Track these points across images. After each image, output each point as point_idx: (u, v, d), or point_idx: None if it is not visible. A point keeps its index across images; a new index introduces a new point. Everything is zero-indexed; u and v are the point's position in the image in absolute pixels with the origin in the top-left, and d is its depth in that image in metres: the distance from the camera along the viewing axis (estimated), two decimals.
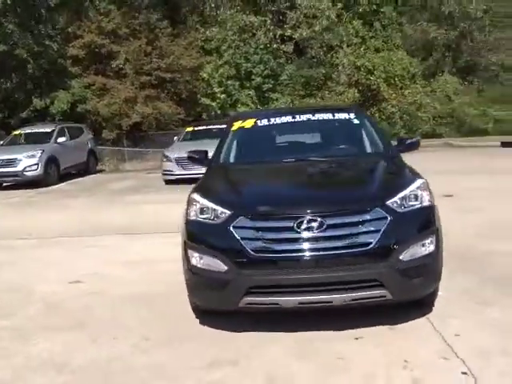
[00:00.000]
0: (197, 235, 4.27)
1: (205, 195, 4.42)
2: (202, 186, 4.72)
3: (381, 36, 22.91)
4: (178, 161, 13.54)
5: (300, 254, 3.92)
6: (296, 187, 4.56)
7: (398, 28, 23.57)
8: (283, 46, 22.14)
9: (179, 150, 14.01)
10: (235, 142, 5.55)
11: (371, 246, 3.90)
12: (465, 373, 3.49)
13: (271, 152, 5.42)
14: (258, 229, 4.01)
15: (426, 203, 4.18)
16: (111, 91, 19.96)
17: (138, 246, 7.68)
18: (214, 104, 21.79)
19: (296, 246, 3.93)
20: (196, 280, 4.25)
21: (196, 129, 15.72)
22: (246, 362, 3.82)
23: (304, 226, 3.91)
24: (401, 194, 4.11)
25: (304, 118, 5.62)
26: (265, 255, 3.96)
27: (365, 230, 3.93)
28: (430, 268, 4.11)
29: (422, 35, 26.08)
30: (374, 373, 3.56)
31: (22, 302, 5.54)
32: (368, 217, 3.96)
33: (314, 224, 3.91)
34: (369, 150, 5.27)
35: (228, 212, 4.12)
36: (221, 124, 16.02)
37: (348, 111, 5.79)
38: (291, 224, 3.94)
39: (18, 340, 4.53)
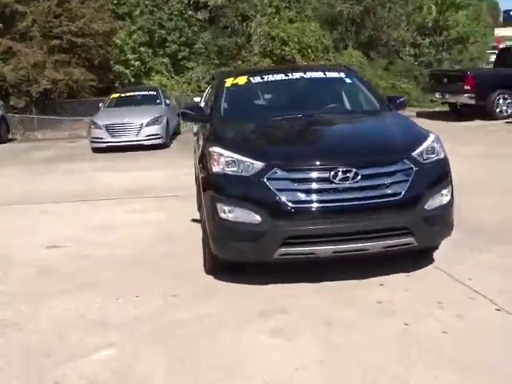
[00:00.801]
0: (226, 188, 4.25)
1: (228, 148, 4.38)
2: (220, 140, 4.63)
3: (294, 7, 23.16)
4: (108, 128, 13.15)
5: (336, 203, 4.05)
6: (322, 140, 4.65)
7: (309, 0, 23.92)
8: (198, 13, 21.75)
9: (109, 116, 13.66)
10: (233, 98, 5.48)
11: (401, 195, 4.10)
12: (498, 309, 3.78)
13: (276, 108, 5.45)
14: (293, 180, 4.08)
15: (441, 156, 4.43)
16: (18, 55, 18.63)
17: (98, 212, 7.43)
18: (127, 71, 21.04)
19: (332, 197, 4.05)
20: (225, 233, 4.23)
21: (122, 95, 15.28)
22: (293, 310, 3.89)
23: (339, 176, 4.02)
24: (422, 147, 4.34)
25: (297, 75, 5.69)
26: (301, 206, 4.04)
27: (395, 180, 4.12)
28: (448, 216, 4.40)
29: (329, 8, 26.70)
30: (419, 313, 3.81)
31: (7, 268, 5.21)
32: (397, 168, 4.16)
33: (349, 174, 4.03)
34: (368, 106, 5.42)
35: (261, 164, 4.12)
36: (146, 91, 15.99)
37: (338, 71, 5.93)
38: (326, 175, 4.04)
39: (29, 303, 4.31)
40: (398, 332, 3.52)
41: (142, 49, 21.21)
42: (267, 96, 5.57)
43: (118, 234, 6.28)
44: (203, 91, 21.46)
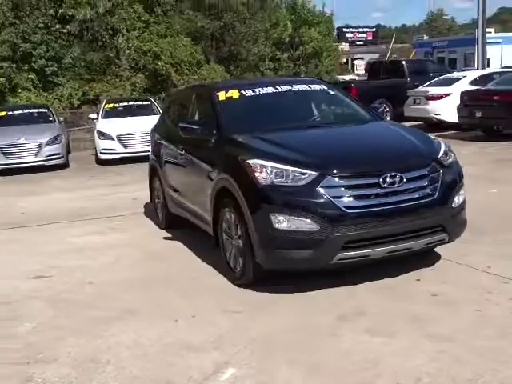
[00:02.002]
0: (279, 199, 4.30)
1: (269, 159, 4.43)
2: (253, 152, 4.65)
3: (163, 21, 23.09)
4: (3, 149, 12.24)
5: (387, 206, 4.32)
6: (359, 147, 4.84)
7: (177, 15, 23.98)
8: (68, 26, 20.80)
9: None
10: (234, 111, 5.50)
11: (435, 196, 4.49)
12: None
13: (283, 119, 5.49)
14: (346, 187, 4.27)
15: (454, 158, 4.88)
16: None
17: (52, 238, 7.00)
18: None
19: (383, 200, 4.32)
20: (280, 243, 4.28)
21: (10, 113, 14.37)
22: (367, 310, 4.10)
23: (388, 180, 4.29)
24: (442, 150, 4.76)
25: (285, 88, 5.84)
26: (357, 211, 4.25)
27: (429, 182, 4.49)
28: (464, 213, 4.87)
29: (189, 24, 27.01)
30: (479, 300, 4.18)
31: (10, 301, 4.75)
32: (430, 170, 4.56)
33: (396, 179, 4.31)
34: (362, 115, 5.72)
35: (314, 173, 4.25)
36: (36, 108, 15.15)
37: (317, 83, 6.17)
38: (376, 180, 4.29)
39: (85, 336, 4.00)
40: (478, 317, 3.86)
41: (5, 64, 19.78)
42: (267, 108, 5.63)
43: (100, 257, 5.99)
44: (77, 108, 20.81)
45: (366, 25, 60.14)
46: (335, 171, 4.29)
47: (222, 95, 5.66)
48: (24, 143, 12.31)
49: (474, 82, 13.68)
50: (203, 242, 6.00)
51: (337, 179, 4.28)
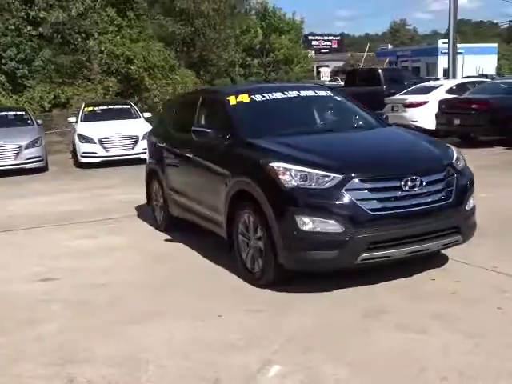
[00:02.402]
0: (304, 201, 4.39)
1: (293, 162, 4.51)
2: (276, 155, 4.72)
3: (135, 26, 22.97)
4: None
5: (408, 209, 4.47)
6: (379, 151, 4.98)
7: (150, 19, 23.90)
8: (40, 29, 20.46)
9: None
10: (247, 115, 5.56)
11: (451, 198, 4.66)
12: None
13: (296, 123, 5.60)
14: (370, 189, 4.40)
15: (465, 163, 5.07)
16: None
17: (45, 240, 6.93)
18: None
19: (405, 203, 4.47)
20: (305, 244, 4.37)
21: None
22: (389, 308, 4.23)
23: (409, 184, 4.44)
24: (455, 155, 4.94)
25: (293, 93, 5.94)
26: (380, 213, 4.39)
27: (446, 185, 4.66)
28: (475, 216, 5.03)
29: (160, 29, 26.94)
30: (495, 298, 4.36)
31: (28, 306, 4.71)
32: (446, 174, 4.73)
33: (416, 182, 4.46)
34: (369, 121, 5.87)
35: (339, 176, 4.36)
36: (13, 110, 14.97)
37: (323, 89, 6.30)
38: (398, 183, 4.43)
39: (107, 335, 3.98)
40: (501, 315, 4.03)
41: None
42: (278, 112, 5.72)
43: (103, 260, 5.96)
44: (48, 111, 20.45)
45: (330, 33, 61.07)
46: (359, 174, 4.41)
47: (232, 99, 5.72)
48: (3, 146, 12.07)
49: (450, 91, 14.12)
50: (204, 243, 6.09)
51: (361, 182, 4.40)
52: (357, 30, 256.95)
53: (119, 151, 12.79)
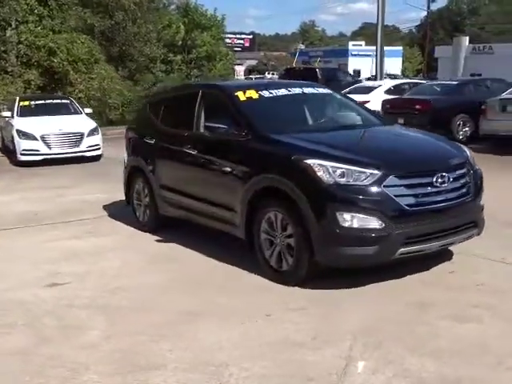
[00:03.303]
0: (345, 197, 4.44)
1: (328, 159, 4.54)
2: (308, 151, 4.72)
3: (57, 16, 21.92)
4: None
5: (442, 204, 4.68)
6: (406, 149, 5.10)
7: (69, 9, 22.85)
8: None
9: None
10: (259, 111, 5.51)
11: (471, 193, 4.90)
12: None
13: (312, 120, 5.63)
14: (406, 186, 4.53)
15: (474, 159, 5.33)
16: None
17: (32, 241, 6.51)
18: None
19: (436, 198, 4.64)
20: (345, 240, 4.43)
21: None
22: (430, 300, 4.36)
23: (440, 180, 4.62)
24: (469, 153, 5.18)
25: (297, 90, 5.97)
26: (416, 208, 4.54)
27: (466, 181, 4.89)
28: (483, 212, 5.29)
29: (78, 20, 25.92)
30: None
31: (55, 313, 4.42)
32: (465, 170, 4.96)
33: (446, 178, 4.65)
34: (373, 119, 6.00)
35: (377, 172, 4.45)
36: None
37: (321, 87, 6.37)
38: (430, 180, 4.59)
39: (160, 339, 3.83)
40: None
41: None
42: (290, 108, 5.71)
43: (101, 262, 5.69)
44: None
45: (241, 31, 61.46)
46: (396, 171, 4.52)
47: (241, 95, 5.64)
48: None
49: (388, 91, 14.71)
50: (201, 241, 5.98)
51: (398, 178, 4.51)
52: (267, 29, 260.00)
53: (63, 149, 12.20)
